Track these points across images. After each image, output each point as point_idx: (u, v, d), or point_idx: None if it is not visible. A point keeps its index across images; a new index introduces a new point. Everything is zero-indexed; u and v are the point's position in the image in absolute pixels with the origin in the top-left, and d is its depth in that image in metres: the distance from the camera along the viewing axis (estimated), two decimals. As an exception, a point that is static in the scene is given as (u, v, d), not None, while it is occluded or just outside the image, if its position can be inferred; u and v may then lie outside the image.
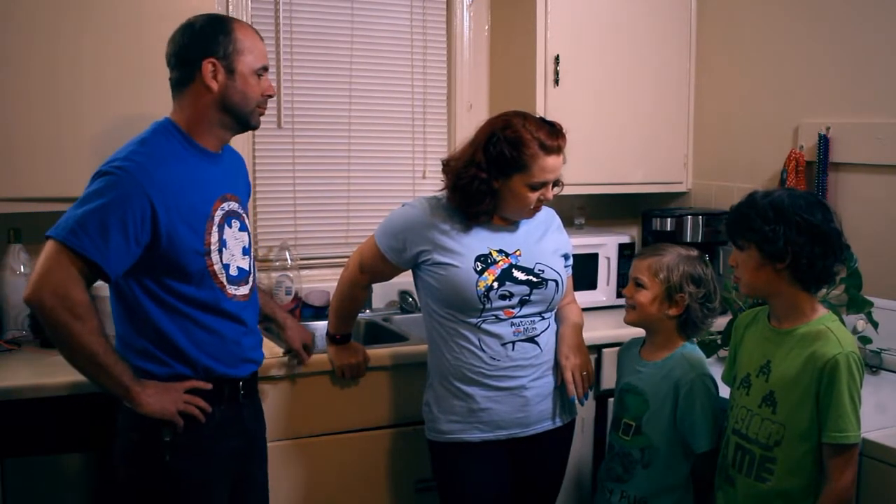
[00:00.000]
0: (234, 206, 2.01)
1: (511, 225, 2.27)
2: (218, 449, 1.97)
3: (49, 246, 1.80)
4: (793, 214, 1.91)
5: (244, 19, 2.94)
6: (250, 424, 2.08)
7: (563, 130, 2.19)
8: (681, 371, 2.20)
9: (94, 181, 1.84)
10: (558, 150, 2.17)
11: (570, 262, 2.38)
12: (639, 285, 2.26)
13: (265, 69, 2.00)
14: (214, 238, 1.94)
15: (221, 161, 2.02)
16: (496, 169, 2.15)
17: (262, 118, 2.04)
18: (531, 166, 2.14)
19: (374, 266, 2.32)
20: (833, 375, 1.86)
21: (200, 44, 1.91)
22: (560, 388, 2.26)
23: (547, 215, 2.35)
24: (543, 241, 2.30)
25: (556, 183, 2.23)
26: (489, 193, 2.17)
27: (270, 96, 2.02)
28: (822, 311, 1.99)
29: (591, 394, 2.31)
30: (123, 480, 1.95)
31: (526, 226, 2.29)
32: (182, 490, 1.93)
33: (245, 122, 2.00)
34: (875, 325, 2.59)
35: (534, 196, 2.18)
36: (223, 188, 1.99)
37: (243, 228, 2.03)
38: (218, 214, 1.96)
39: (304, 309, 3.00)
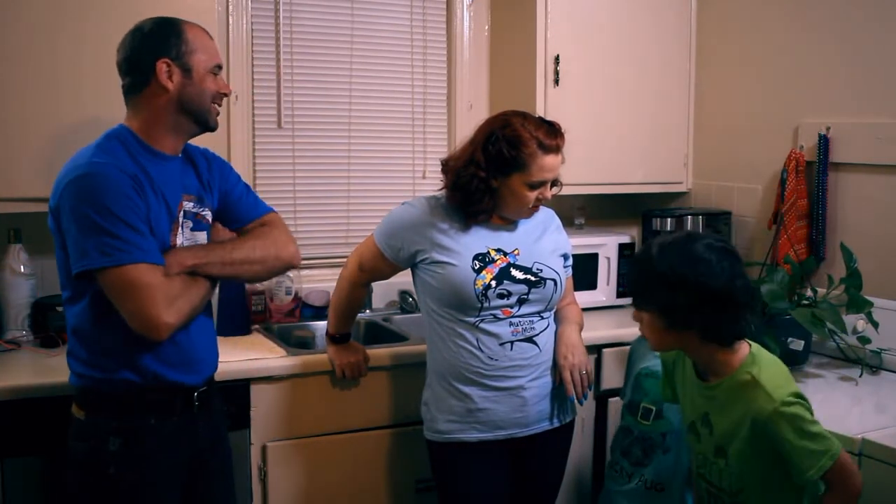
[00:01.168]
0: (189, 205, 1.98)
1: (510, 224, 2.27)
2: (165, 462, 1.93)
3: (110, 278, 1.78)
4: (693, 282, 1.76)
5: (244, 20, 2.95)
6: (204, 437, 2.01)
7: (562, 130, 2.19)
8: None
9: (71, 195, 1.79)
10: (557, 150, 2.17)
11: (570, 262, 2.38)
12: None
13: (219, 67, 1.99)
14: (180, 240, 1.93)
15: (177, 162, 1.99)
16: (495, 168, 2.16)
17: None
18: (530, 165, 2.14)
19: (373, 265, 2.33)
20: (777, 432, 1.76)
21: (152, 46, 1.90)
22: (559, 388, 2.26)
23: (546, 215, 2.35)
24: (542, 241, 2.30)
25: (555, 183, 2.23)
26: (488, 192, 2.17)
27: (226, 95, 2.00)
28: (743, 354, 1.86)
29: (590, 394, 2.30)
30: (72, 490, 1.92)
31: (524, 225, 2.29)
32: (124, 502, 1.90)
33: (204, 121, 1.97)
34: (875, 325, 2.59)
35: (532, 195, 2.18)
36: (182, 189, 1.97)
37: (199, 227, 2.01)
38: (179, 215, 1.94)
39: (304, 309, 3.00)
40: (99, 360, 1.89)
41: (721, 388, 1.87)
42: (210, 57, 1.95)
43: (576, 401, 2.26)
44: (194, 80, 1.92)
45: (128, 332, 1.82)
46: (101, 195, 1.78)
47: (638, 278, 1.89)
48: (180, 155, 2.01)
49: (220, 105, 2.00)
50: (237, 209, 2.10)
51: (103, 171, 1.80)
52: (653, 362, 2.28)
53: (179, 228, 1.93)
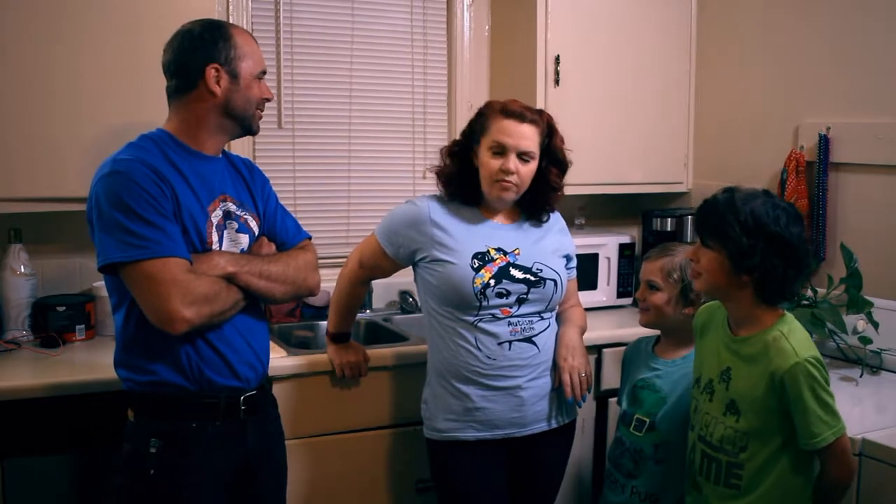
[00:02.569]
0: (231, 206, 1.99)
1: (513, 224, 2.28)
2: (207, 467, 1.90)
3: (129, 273, 1.79)
4: (773, 230, 1.83)
5: (244, 20, 2.95)
6: (254, 443, 1.99)
7: (543, 112, 2.24)
8: None
9: (97, 193, 1.82)
10: (520, 117, 2.19)
11: (574, 264, 2.38)
12: (652, 287, 2.25)
13: (264, 73, 2.00)
14: (215, 238, 1.93)
15: (219, 163, 2.01)
16: (468, 139, 2.26)
17: (261, 120, 2.04)
18: (489, 127, 2.20)
19: (373, 262, 2.33)
20: (794, 387, 1.81)
21: (201, 50, 1.90)
22: (558, 389, 2.26)
23: (552, 217, 2.36)
24: (544, 241, 2.30)
25: (526, 158, 2.20)
26: (467, 165, 2.25)
27: (268, 100, 2.02)
28: (778, 314, 1.93)
29: (589, 396, 2.29)
30: (117, 489, 1.92)
31: (527, 225, 2.30)
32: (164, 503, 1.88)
33: (248, 126, 2.00)
34: (875, 325, 2.59)
35: (496, 164, 2.19)
36: (220, 189, 1.98)
37: (243, 230, 2.01)
38: (216, 215, 1.94)
39: (305, 309, 3.00)
40: (142, 363, 1.88)
41: (750, 341, 1.91)
42: (256, 63, 1.97)
43: (574, 402, 2.26)
44: (241, 87, 1.93)
45: (169, 333, 1.81)
46: (121, 193, 1.79)
47: (714, 217, 1.90)
48: (221, 156, 2.02)
49: (262, 110, 2.02)
50: (279, 231, 2.11)
51: (124, 167, 1.81)
52: (648, 374, 2.27)
53: (214, 227, 1.93)
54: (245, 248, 2.01)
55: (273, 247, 2.08)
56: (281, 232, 2.12)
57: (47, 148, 2.40)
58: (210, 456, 1.91)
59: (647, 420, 2.22)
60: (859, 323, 2.63)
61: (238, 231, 2.00)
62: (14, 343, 2.51)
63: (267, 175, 2.18)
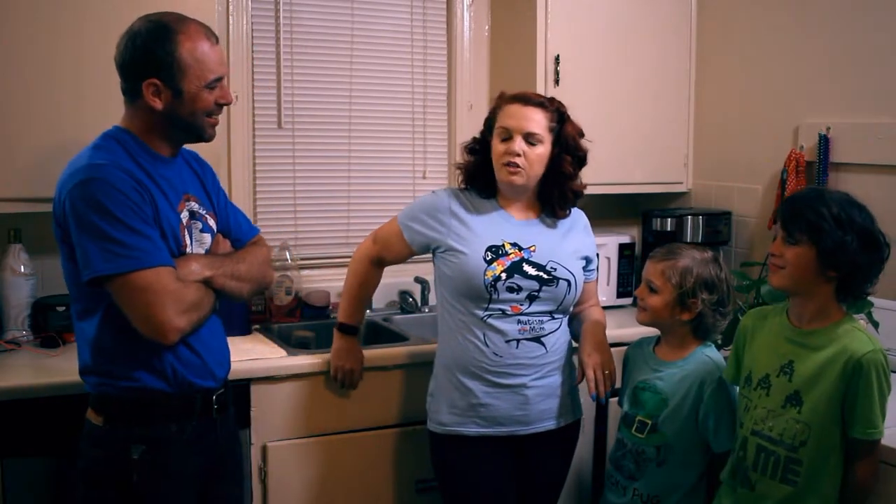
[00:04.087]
0: (194, 206, 1.96)
1: (533, 220, 2.29)
2: (186, 468, 1.90)
3: (119, 285, 1.74)
4: (864, 225, 1.88)
5: (244, 20, 2.94)
6: (223, 442, 2.00)
7: (553, 99, 2.27)
8: (705, 371, 2.19)
9: (74, 201, 1.75)
10: (525, 101, 2.22)
11: (594, 265, 2.39)
12: (651, 289, 2.25)
13: (219, 80, 1.88)
14: (188, 240, 1.91)
15: (176, 163, 1.96)
16: (485, 131, 2.28)
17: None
18: (498, 115, 2.24)
19: (386, 238, 2.35)
20: (868, 372, 1.85)
21: (141, 61, 1.82)
22: (573, 385, 2.26)
23: (574, 215, 2.36)
24: (565, 241, 2.30)
25: (532, 141, 2.20)
26: (482, 155, 2.28)
27: (227, 104, 1.93)
28: (844, 313, 1.97)
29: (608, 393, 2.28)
30: (86, 498, 1.88)
31: (548, 222, 2.30)
32: None
33: (197, 135, 1.92)
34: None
35: (502, 147, 2.20)
36: (183, 189, 1.94)
37: (205, 230, 1.98)
38: (184, 216, 1.91)
39: (305, 309, 2.99)
40: (121, 371, 1.84)
41: (818, 333, 1.94)
42: (206, 72, 1.85)
43: (598, 399, 2.23)
44: (185, 101, 1.84)
45: (149, 339, 1.79)
46: (105, 200, 1.74)
47: (807, 210, 1.91)
48: (178, 157, 1.98)
49: (218, 114, 1.94)
50: (233, 228, 2.09)
51: (104, 173, 1.76)
52: (649, 375, 2.27)
53: (186, 229, 1.90)
54: (208, 248, 1.99)
55: (228, 244, 2.05)
56: (234, 229, 2.09)
57: (48, 148, 2.40)
58: (188, 456, 1.91)
59: (649, 422, 2.21)
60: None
61: (202, 231, 1.98)
62: (14, 343, 2.51)
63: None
